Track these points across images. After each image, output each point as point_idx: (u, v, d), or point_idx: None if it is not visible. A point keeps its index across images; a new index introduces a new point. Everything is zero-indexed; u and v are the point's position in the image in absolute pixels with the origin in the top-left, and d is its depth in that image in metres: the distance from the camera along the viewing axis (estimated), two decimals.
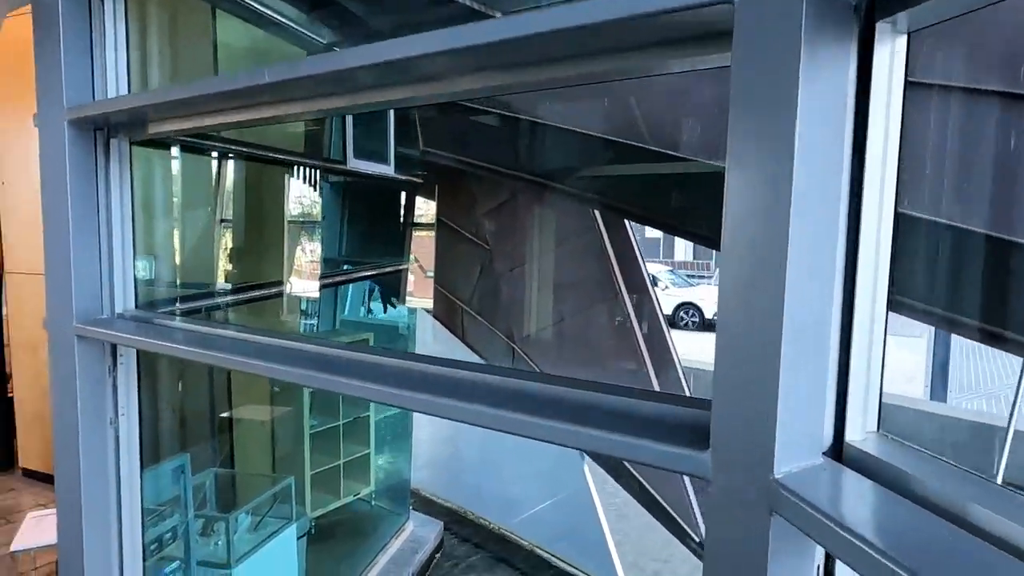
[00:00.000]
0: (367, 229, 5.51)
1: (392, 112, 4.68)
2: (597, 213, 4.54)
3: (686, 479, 3.97)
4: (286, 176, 4.33)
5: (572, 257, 4.81)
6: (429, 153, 5.32)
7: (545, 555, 5.04)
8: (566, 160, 4.44)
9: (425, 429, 5.82)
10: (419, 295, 5.91)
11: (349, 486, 5.31)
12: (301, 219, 5.35)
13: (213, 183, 3.90)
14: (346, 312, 6.03)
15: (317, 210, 5.36)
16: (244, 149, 3.56)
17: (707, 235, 3.93)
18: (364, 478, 5.44)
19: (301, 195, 5.51)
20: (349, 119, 4.19)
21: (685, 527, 4.42)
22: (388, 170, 4.75)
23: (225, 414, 4.40)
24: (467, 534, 5.52)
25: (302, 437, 4.94)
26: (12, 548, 4.24)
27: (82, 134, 2.01)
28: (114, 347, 2.34)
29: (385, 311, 6.11)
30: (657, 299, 4.82)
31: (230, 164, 4.00)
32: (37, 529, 4.50)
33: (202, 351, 1.81)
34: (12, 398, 6.70)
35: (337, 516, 5.18)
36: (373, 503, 5.53)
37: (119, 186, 2.16)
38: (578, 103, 3.97)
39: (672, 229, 5.73)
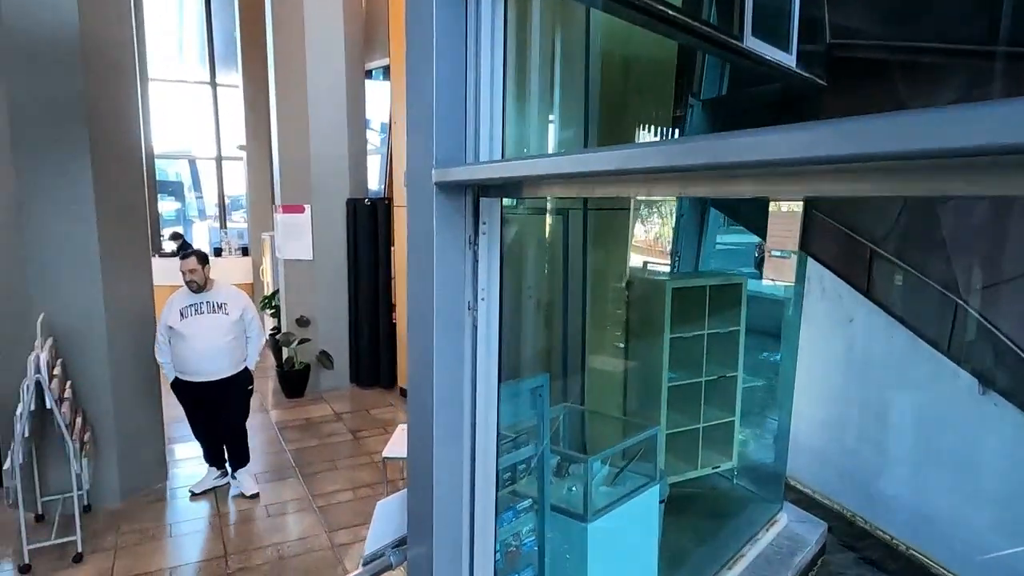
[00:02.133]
0: None
1: None
2: None
3: None
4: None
5: None
6: (841, 46, 4.04)
7: None
8: None
9: (807, 408, 4.61)
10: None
11: (707, 456, 4.46)
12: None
13: None
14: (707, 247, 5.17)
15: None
16: None
17: None
18: (725, 450, 4.52)
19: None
20: None
21: None
22: (789, 61, 3.65)
23: (576, 350, 3.93)
24: (864, 549, 4.22)
25: (658, 390, 4.23)
26: (383, 454, 4.42)
27: None
28: (475, 208, 1.83)
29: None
30: None
31: None
32: (404, 440, 4.66)
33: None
34: (396, 324, 7.41)
35: (692, 488, 4.38)
36: (735, 481, 4.59)
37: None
38: None
39: None
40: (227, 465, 4.99)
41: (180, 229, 12.06)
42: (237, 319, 4.61)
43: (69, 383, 4.29)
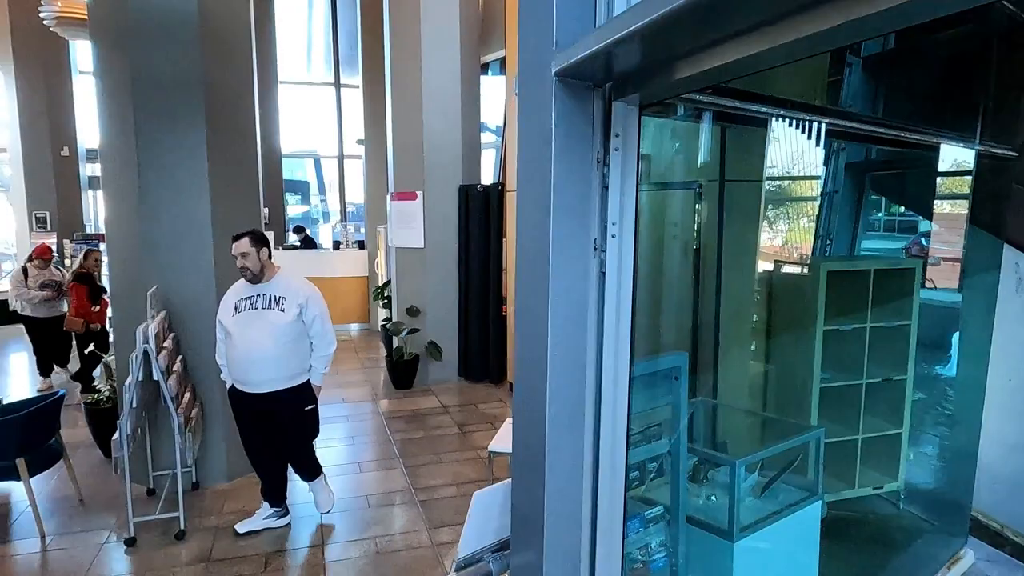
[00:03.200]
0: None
1: None
2: None
3: None
4: None
5: None
6: None
7: None
8: None
9: (994, 425, 3.78)
10: None
11: (867, 474, 3.75)
12: None
13: None
14: None
15: None
16: None
17: None
18: (889, 468, 3.79)
19: None
20: None
21: None
22: None
23: (709, 335, 3.38)
24: None
25: (806, 392, 3.58)
26: (490, 448, 4.07)
27: None
28: (606, 115, 1.39)
29: None
30: None
31: None
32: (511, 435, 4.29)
33: None
34: (507, 318, 7.09)
35: (847, 510, 3.69)
36: (901, 506, 3.83)
37: None
38: None
39: None
40: (286, 504, 4.10)
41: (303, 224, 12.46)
42: (294, 318, 3.63)
43: (180, 358, 4.27)
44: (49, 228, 10.83)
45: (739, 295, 3.62)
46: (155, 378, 3.67)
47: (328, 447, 5.33)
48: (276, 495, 4.02)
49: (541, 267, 1.47)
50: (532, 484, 1.58)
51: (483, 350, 7.18)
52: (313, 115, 13.71)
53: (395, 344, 7.04)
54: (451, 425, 5.86)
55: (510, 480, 1.69)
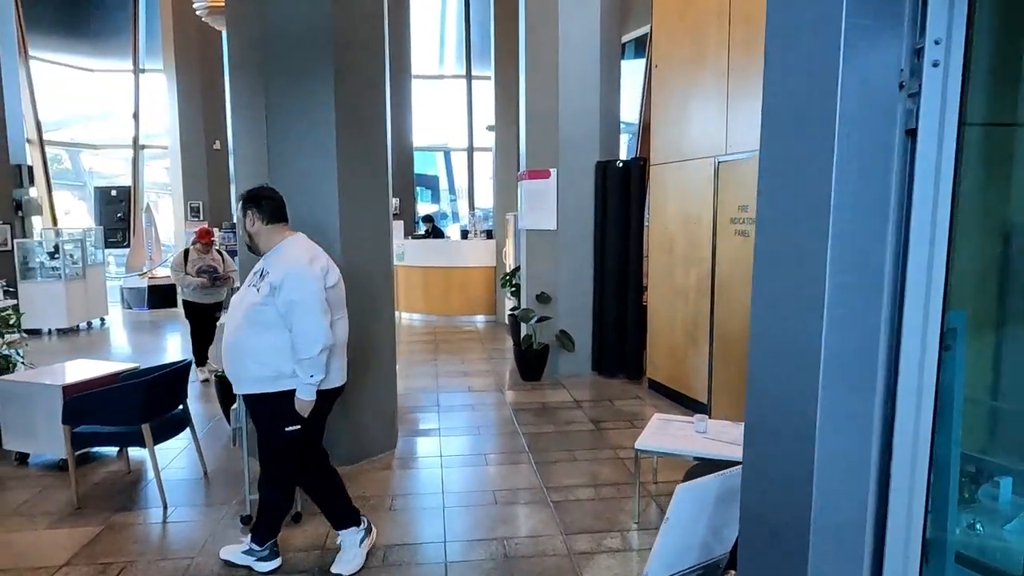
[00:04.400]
0: None
1: None
2: None
3: None
4: None
5: None
6: None
7: None
8: None
9: None
10: None
11: None
12: None
13: None
14: None
15: None
16: None
17: None
18: None
19: None
20: None
21: None
22: None
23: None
24: None
25: None
26: (636, 445, 3.45)
27: None
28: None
29: None
30: None
31: None
32: (660, 433, 3.64)
33: None
34: (646, 306, 6.41)
35: None
36: None
37: None
38: None
39: None
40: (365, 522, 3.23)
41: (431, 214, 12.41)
42: (263, 299, 2.75)
43: None
44: (201, 218, 11.48)
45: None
46: None
47: (452, 436, 4.94)
48: (341, 519, 3.14)
49: (804, 123, 0.86)
50: (780, 486, 0.97)
51: (619, 342, 6.54)
52: (444, 109, 13.69)
53: (523, 333, 6.58)
54: (584, 421, 5.28)
55: (728, 472, 1.08)
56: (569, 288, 6.64)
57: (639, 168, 6.32)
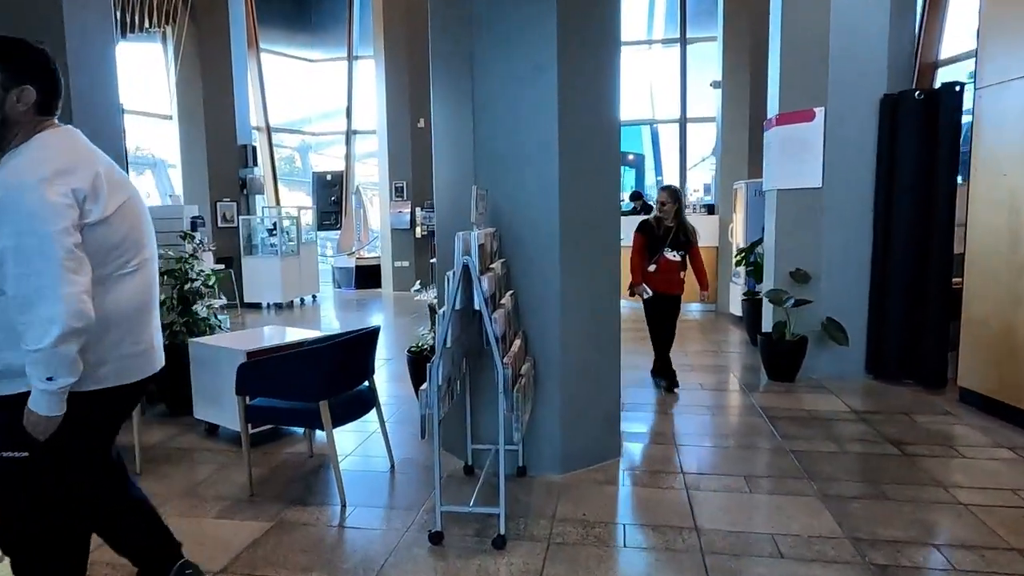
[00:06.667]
0: None
1: None
2: None
3: None
4: None
5: None
6: None
7: None
8: None
9: None
10: None
11: None
12: None
13: None
14: None
15: None
16: None
17: None
18: None
19: None
20: None
21: None
22: None
23: None
24: None
25: None
26: None
27: None
28: None
29: None
30: None
31: None
32: None
33: None
34: (957, 291, 4.67)
35: None
36: None
37: None
38: None
39: None
40: None
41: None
42: None
43: (511, 293, 3.10)
44: (405, 197, 11.39)
45: None
46: (476, 306, 2.50)
47: (692, 446, 3.76)
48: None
49: None
50: None
51: (910, 337, 4.88)
52: (651, 78, 12.38)
53: (773, 320, 5.18)
54: (879, 441, 3.80)
55: None
56: (837, 264, 5.10)
57: (953, 98, 4.59)
